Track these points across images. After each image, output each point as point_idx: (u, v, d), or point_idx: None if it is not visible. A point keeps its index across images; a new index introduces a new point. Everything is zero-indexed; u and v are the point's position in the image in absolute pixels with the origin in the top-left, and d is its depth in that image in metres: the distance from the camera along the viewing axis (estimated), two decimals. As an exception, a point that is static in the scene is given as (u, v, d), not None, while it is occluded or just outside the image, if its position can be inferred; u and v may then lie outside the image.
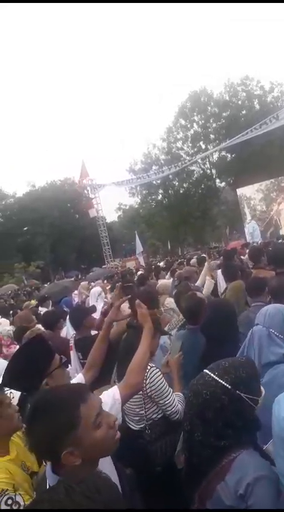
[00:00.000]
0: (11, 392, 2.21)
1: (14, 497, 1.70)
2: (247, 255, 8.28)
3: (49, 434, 1.29)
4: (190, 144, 39.10)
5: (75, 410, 1.33)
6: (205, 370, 1.68)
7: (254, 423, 1.62)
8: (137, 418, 2.63)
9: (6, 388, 2.23)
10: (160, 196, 41.16)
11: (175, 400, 2.59)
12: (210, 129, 38.11)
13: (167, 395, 2.57)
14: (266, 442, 1.88)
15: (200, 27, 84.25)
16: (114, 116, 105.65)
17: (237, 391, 1.55)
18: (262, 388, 1.67)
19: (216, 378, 1.59)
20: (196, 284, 5.26)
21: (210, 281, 5.43)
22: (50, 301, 8.57)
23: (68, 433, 1.29)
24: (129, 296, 2.80)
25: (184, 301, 3.56)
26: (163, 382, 2.58)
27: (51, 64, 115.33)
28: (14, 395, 2.22)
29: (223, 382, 1.57)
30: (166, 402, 2.56)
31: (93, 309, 4.36)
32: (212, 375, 1.61)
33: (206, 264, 6.04)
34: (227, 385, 1.56)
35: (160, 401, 2.56)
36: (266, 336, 2.24)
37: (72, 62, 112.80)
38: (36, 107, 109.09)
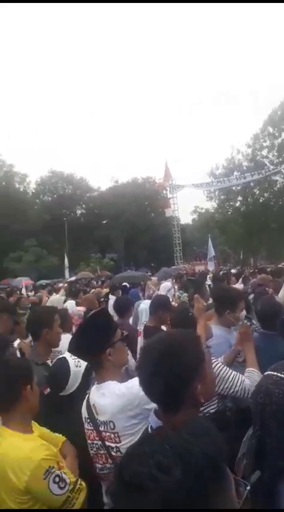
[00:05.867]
0: (78, 361, 2.27)
1: (60, 474, 1.70)
2: None
3: (185, 367, 1.33)
4: (276, 153, 37.40)
5: (199, 346, 1.45)
6: (269, 372, 1.60)
7: None
8: None
9: (73, 357, 2.28)
10: (238, 203, 40.01)
11: (238, 376, 2.35)
12: (299, 139, 36.32)
13: (229, 379, 2.35)
14: None
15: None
16: (199, 119, 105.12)
17: None
18: None
19: None
20: (278, 296, 4.95)
21: None
22: (120, 291, 9.07)
23: (199, 364, 1.37)
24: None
25: (260, 304, 3.36)
26: (224, 369, 2.41)
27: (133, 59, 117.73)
28: (81, 364, 2.28)
29: None
30: (230, 385, 2.33)
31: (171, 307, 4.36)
32: (279, 374, 1.52)
33: None
34: None
35: (225, 385, 2.35)
36: None
37: (153, 60, 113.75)
38: (123, 111, 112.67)
